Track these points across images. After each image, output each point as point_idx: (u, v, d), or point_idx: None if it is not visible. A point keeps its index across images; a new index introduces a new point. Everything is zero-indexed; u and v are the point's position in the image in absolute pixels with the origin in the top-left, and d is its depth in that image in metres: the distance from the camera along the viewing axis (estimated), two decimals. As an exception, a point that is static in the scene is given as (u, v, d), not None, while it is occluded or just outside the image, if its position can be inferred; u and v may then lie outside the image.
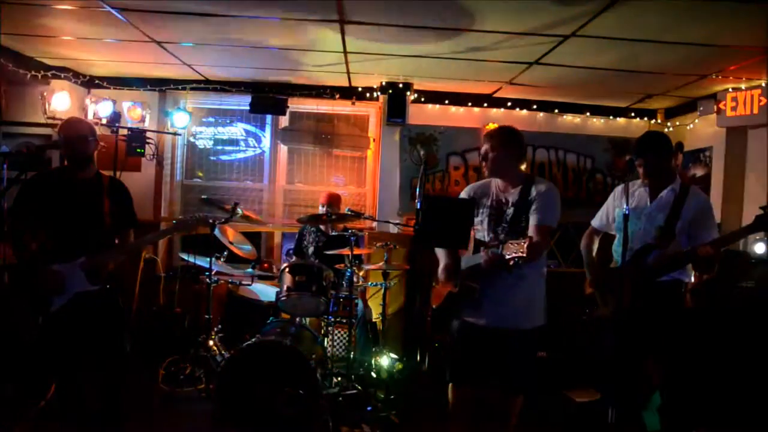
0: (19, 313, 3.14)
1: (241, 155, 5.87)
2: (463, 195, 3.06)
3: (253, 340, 3.59)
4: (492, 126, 5.69)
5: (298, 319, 4.04)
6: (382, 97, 5.49)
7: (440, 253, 3.00)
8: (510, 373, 2.88)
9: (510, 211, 2.83)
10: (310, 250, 4.82)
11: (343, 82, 5.42)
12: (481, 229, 2.92)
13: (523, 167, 2.98)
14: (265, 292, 4.49)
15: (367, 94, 5.57)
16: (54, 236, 2.91)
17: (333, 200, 4.84)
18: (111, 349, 3.02)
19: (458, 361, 2.97)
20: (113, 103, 5.24)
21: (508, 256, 2.43)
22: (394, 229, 5.42)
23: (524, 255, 2.35)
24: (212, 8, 3.56)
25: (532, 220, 2.76)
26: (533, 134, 5.78)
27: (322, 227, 4.83)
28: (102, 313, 2.97)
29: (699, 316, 3.67)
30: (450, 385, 3.01)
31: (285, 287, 3.93)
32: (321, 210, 4.78)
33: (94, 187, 3.02)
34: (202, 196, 4.55)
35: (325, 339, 4.23)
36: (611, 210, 3.24)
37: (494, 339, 2.83)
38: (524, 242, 2.36)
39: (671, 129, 5.70)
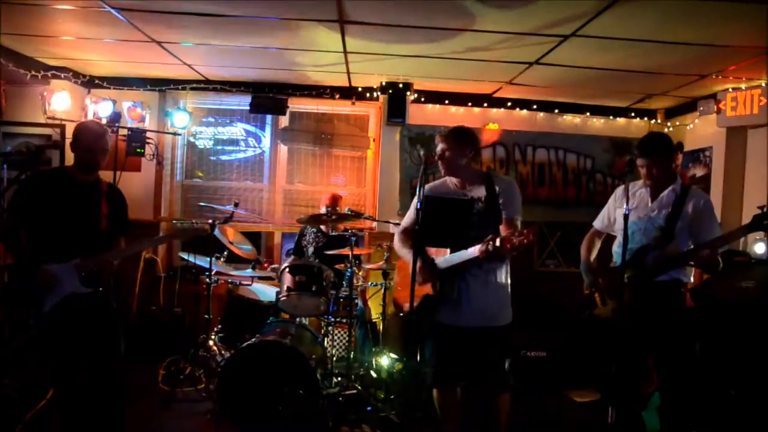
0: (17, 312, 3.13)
1: (241, 155, 5.87)
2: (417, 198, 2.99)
3: (253, 340, 3.59)
4: (492, 126, 5.70)
5: (298, 319, 4.04)
6: (382, 97, 5.49)
7: (408, 255, 2.91)
8: (491, 371, 2.89)
9: (477, 206, 2.87)
10: (310, 250, 4.83)
11: (343, 82, 5.42)
12: None
13: (478, 165, 3.03)
14: (265, 292, 4.49)
15: (367, 94, 5.56)
16: (51, 236, 2.90)
17: (336, 202, 4.85)
18: (106, 349, 3.02)
19: (439, 365, 2.96)
20: (113, 103, 5.23)
21: (508, 246, 2.44)
22: (394, 229, 5.42)
23: (531, 239, 2.38)
24: (212, 8, 3.56)
25: (504, 214, 2.82)
26: (533, 134, 5.79)
27: (322, 227, 4.83)
28: (94, 314, 2.97)
29: (698, 316, 3.67)
30: (434, 389, 3.01)
31: (285, 287, 3.93)
32: (323, 211, 4.78)
33: (93, 191, 3.03)
34: (201, 204, 4.55)
35: (325, 339, 4.23)
36: (612, 211, 3.25)
37: (474, 339, 2.83)
38: (527, 231, 2.40)
39: (671, 129, 5.69)
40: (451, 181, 3.03)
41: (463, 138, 2.95)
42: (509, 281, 2.96)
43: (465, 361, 2.87)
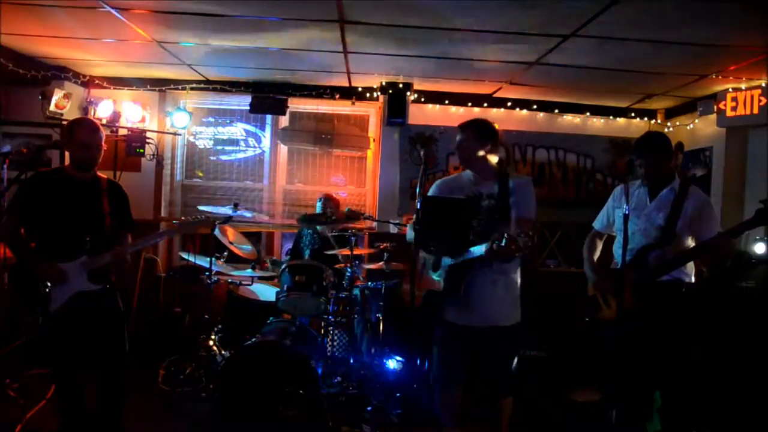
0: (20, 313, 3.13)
1: (241, 155, 5.88)
2: (432, 190, 3.01)
3: (253, 340, 3.58)
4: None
5: (298, 319, 4.04)
6: (382, 97, 5.48)
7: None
8: (497, 373, 2.83)
9: (486, 203, 2.81)
10: (306, 252, 4.82)
11: (343, 82, 5.42)
12: None
13: (495, 160, 2.90)
14: (265, 292, 4.49)
15: (367, 94, 5.56)
16: (55, 236, 2.90)
17: (329, 197, 4.85)
18: (111, 348, 3.02)
19: (443, 366, 2.91)
20: (113, 103, 5.24)
21: (513, 246, 2.41)
22: (394, 229, 5.42)
23: (536, 242, 2.36)
24: (212, 8, 3.56)
25: (514, 213, 2.75)
26: (533, 134, 5.79)
27: (318, 229, 4.83)
28: (102, 312, 2.98)
29: (699, 316, 3.67)
30: (438, 389, 2.97)
31: (285, 287, 3.93)
32: (318, 204, 4.80)
33: (93, 188, 3.03)
34: (199, 207, 4.54)
35: (325, 339, 4.23)
36: (611, 211, 3.24)
37: (481, 338, 2.79)
38: (533, 234, 2.36)
39: (671, 129, 5.69)
40: (467, 175, 2.96)
41: (482, 131, 2.87)
42: (519, 280, 2.88)
43: (470, 361, 2.83)
